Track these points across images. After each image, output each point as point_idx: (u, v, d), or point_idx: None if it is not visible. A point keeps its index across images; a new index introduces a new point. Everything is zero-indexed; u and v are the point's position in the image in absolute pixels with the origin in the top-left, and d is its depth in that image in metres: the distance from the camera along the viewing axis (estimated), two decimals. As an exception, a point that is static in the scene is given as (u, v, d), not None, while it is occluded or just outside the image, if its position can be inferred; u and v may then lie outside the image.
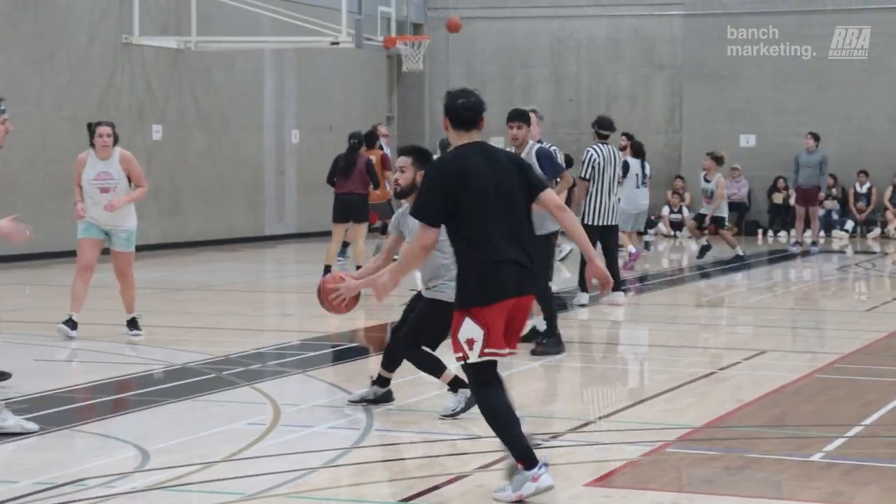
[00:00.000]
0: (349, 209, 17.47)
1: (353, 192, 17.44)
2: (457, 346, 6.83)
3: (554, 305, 11.66)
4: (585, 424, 8.87)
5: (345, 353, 12.30)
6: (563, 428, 8.66)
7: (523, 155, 11.13)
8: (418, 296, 8.99)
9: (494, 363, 6.85)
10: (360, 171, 17.48)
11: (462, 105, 6.94)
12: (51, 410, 9.11)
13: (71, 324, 12.14)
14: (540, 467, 6.69)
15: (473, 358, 6.78)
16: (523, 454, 6.71)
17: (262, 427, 8.46)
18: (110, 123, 12.46)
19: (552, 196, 7.04)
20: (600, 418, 9.18)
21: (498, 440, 6.89)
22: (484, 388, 6.84)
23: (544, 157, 11.42)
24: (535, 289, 7.03)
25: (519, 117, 11.33)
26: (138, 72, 22.99)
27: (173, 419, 8.84)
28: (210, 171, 24.72)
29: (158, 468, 7.41)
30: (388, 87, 30.30)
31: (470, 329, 6.75)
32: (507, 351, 6.88)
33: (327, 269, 16.45)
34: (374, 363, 11.48)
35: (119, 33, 22.50)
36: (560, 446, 8.05)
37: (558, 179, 11.97)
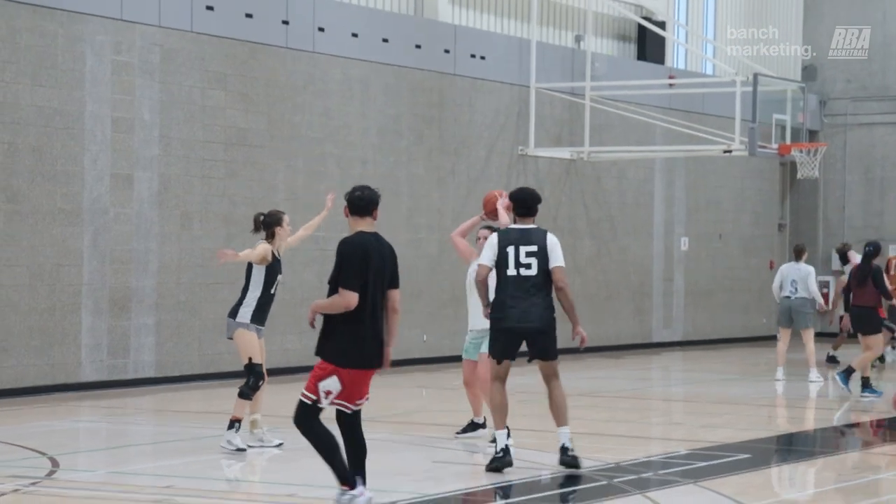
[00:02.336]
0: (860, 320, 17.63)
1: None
2: (313, 390, 8.46)
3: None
4: None
5: (736, 465, 12.07)
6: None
7: None
8: None
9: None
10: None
11: (357, 196, 8.72)
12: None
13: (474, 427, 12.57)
14: (359, 485, 8.38)
15: (324, 405, 8.50)
16: (344, 477, 8.41)
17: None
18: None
19: (396, 294, 8.72)
20: None
21: None
22: (312, 419, 8.46)
23: None
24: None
25: None
26: (532, 181, 23.59)
27: None
28: (598, 277, 24.97)
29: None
30: (780, 194, 29.87)
31: (332, 383, 8.46)
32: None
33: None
34: (775, 472, 11.25)
35: (515, 145, 23.19)
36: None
37: None
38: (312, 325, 8.53)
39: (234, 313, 11.65)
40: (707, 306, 27.77)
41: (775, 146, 23.33)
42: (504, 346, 10.82)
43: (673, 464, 11.56)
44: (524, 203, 10.91)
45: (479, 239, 12.51)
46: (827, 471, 11.73)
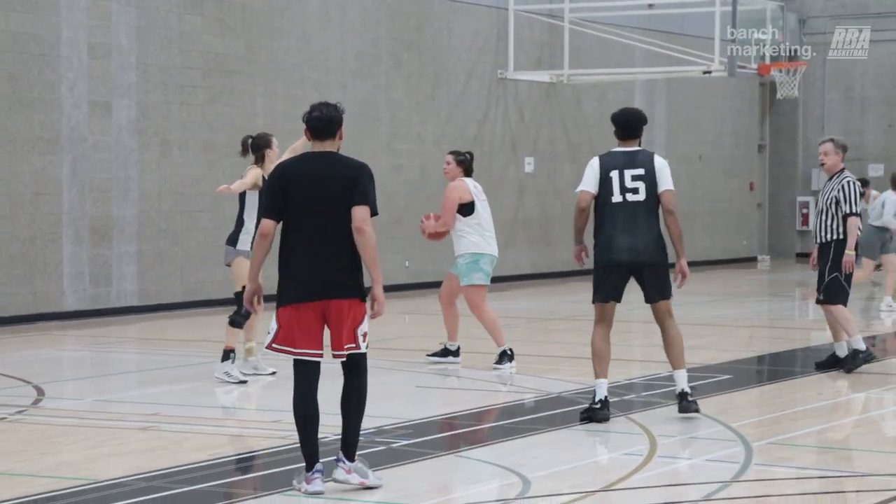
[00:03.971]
0: None
1: None
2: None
3: None
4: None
5: (721, 385, 12.16)
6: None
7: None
8: None
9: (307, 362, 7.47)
10: None
11: (315, 118, 7.55)
12: (433, 436, 9.42)
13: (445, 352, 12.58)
14: (314, 472, 7.41)
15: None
16: (306, 456, 7.45)
17: (639, 458, 8.48)
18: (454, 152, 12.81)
19: (357, 212, 7.42)
20: None
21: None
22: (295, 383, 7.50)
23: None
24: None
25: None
26: (511, 105, 23.51)
27: (550, 448, 8.97)
28: (580, 202, 24.96)
29: (539, 495, 7.54)
30: (760, 114, 29.84)
31: (272, 324, 7.53)
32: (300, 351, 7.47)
33: None
34: (756, 393, 11.35)
35: (495, 69, 23.08)
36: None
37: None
38: None
39: (233, 241, 11.59)
40: (688, 229, 27.62)
41: (755, 66, 23.27)
42: (611, 285, 9.79)
43: (655, 386, 11.64)
44: (627, 124, 9.93)
45: (447, 164, 12.52)
46: (809, 390, 11.82)
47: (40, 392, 10.99)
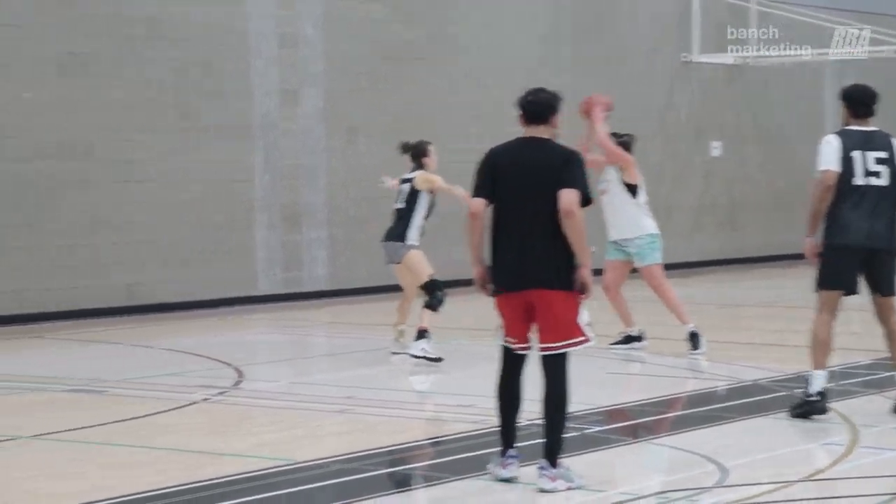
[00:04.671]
0: None
1: None
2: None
3: None
4: None
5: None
6: None
7: None
8: None
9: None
10: None
11: (529, 101, 7.43)
12: (626, 423, 9.37)
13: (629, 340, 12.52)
14: (508, 457, 7.33)
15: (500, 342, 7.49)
16: (501, 441, 7.38)
17: (840, 448, 8.29)
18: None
19: (564, 195, 7.24)
20: None
21: None
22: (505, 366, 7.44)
23: None
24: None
25: None
26: (695, 88, 23.21)
27: (747, 436, 8.83)
28: (768, 186, 24.54)
29: (737, 484, 7.43)
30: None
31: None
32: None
33: None
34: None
35: (678, 52, 22.79)
36: None
37: None
38: None
39: (401, 237, 11.82)
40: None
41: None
42: (843, 270, 9.14)
43: (854, 374, 11.38)
44: (863, 102, 9.20)
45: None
46: None
47: (240, 374, 11.24)
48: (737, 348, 13.03)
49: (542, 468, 7.29)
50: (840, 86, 26.11)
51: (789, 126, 25.04)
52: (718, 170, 23.56)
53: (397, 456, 8.27)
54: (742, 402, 10.17)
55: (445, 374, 11.43)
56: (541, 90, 7.52)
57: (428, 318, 11.66)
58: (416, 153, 12.13)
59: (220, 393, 10.36)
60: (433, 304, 11.70)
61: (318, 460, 7.95)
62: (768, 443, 8.58)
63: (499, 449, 7.48)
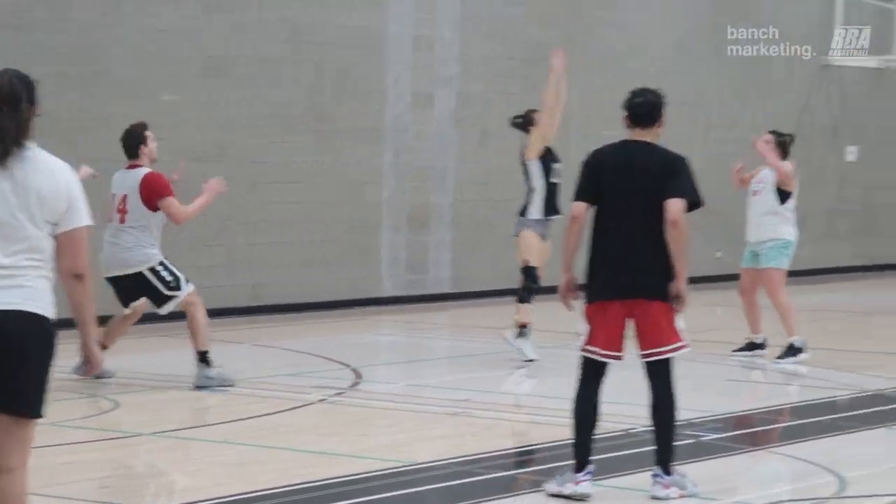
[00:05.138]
0: None
1: None
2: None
3: None
4: None
5: None
6: None
7: None
8: None
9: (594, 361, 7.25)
10: None
11: (637, 104, 7.33)
12: (744, 430, 9.28)
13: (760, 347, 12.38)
14: (585, 473, 7.11)
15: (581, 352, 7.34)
16: (576, 456, 7.18)
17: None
18: None
19: (671, 204, 7.11)
20: None
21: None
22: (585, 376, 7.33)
23: None
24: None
25: None
26: (836, 92, 22.82)
27: (868, 446, 8.69)
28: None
29: (855, 496, 7.33)
30: None
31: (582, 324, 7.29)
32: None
33: None
34: None
35: (818, 55, 22.42)
36: None
37: None
38: None
39: (522, 211, 11.84)
40: None
41: None
42: None
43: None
44: None
45: (765, 143, 12.33)
46: None
47: (358, 375, 11.36)
48: (863, 357, 12.81)
49: (655, 475, 7.21)
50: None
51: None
52: (854, 175, 23.12)
53: (510, 459, 8.31)
54: (864, 411, 10.01)
55: (564, 378, 11.39)
56: (647, 90, 7.39)
57: (522, 313, 11.52)
58: (523, 123, 12.11)
59: (338, 394, 10.48)
60: (522, 297, 11.52)
61: (431, 463, 8.02)
62: (889, 454, 8.45)
63: (570, 463, 7.24)
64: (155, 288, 10.33)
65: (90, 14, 14.69)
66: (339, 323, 15.61)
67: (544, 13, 18.85)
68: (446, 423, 9.41)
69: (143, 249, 10.35)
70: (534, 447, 8.72)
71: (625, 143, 7.40)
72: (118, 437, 8.79)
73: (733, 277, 20.10)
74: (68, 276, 4.95)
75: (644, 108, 7.32)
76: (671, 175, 7.20)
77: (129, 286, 10.40)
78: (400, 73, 17.36)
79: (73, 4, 14.61)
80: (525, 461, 8.31)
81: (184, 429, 9.13)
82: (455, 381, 11.32)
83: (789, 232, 12.22)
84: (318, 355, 12.45)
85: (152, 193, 10.39)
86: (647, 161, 7.26)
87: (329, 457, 8.26)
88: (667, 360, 7.25)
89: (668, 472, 7.22)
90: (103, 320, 9.51)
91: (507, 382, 11.32)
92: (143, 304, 10.61)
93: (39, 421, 4.99)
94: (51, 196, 4.89)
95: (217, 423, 9.28)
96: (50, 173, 4.92)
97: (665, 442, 7.25)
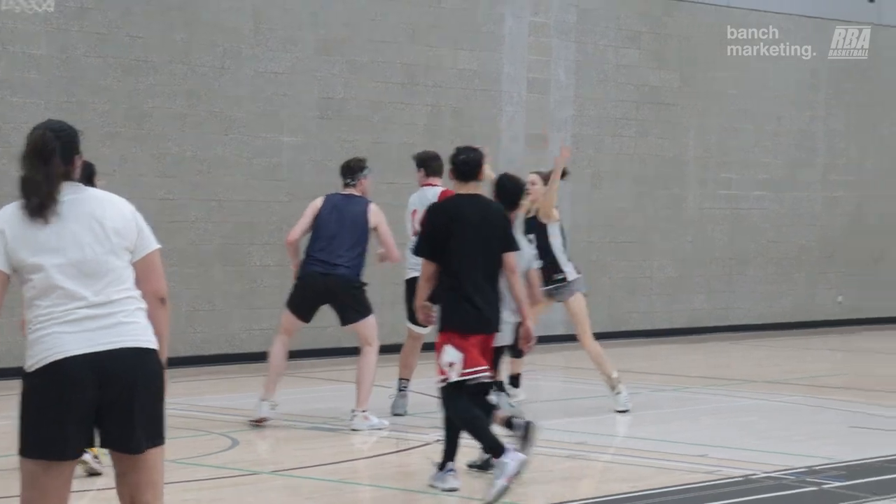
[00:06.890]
0: None
1: None
2: (439, 370, 8.02)
3: None
4: None
5: None
6: None
7: None
8: None
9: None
10: None
11: (461, 161, 8.36)
12: (869, 479, 9.05)
13: None
14: (509, 450, 7.74)
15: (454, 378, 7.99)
16: (493, 446, 7.86)
17: None
18: None
19: (509, 258, 8.11)
20: None
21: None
22: (453, 399, 8.04)
23: None
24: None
25: None
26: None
27: None
28: None
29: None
30: None
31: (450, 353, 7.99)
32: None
33: None
34: None
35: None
36: None
37: None
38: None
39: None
40: None
41: None
42: None
43: None
44: None
45: None
46: None
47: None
48: None
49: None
50: None
51: None
52: None
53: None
54: None
55: (677, 422, 11.27)
56: (470, 149, 8.45)
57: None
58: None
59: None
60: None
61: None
62: None
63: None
64: None
65: (209, 56, 14.94)
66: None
67: (659, 56, 18.77)
68: (561, 465, 9.30)
69: None
70: (649, 492, 8.57)
71: (454, 196, 8.51)
72: (236, 476, 8.83)
73: (855, 322, 19.92)
74: (153, 299, 5.01)
75: (468, 166, 8.36)
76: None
77: None
78: (514, 115, 17.37)
79: (193, 48, 14.86)
80: (641, 506, 8.18)
81: (300, 468, 9.14)
82: (570, 424, 11.18)
83: None
84: (431, 395, 12.41)
85: None
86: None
87: (434, 497, 8.21)
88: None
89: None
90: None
91: (623, 426, 11.19)
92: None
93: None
94: (122, 225, 4.96)
95: (332, 463, 9.27)
96: (112, 204, 4.99)
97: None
